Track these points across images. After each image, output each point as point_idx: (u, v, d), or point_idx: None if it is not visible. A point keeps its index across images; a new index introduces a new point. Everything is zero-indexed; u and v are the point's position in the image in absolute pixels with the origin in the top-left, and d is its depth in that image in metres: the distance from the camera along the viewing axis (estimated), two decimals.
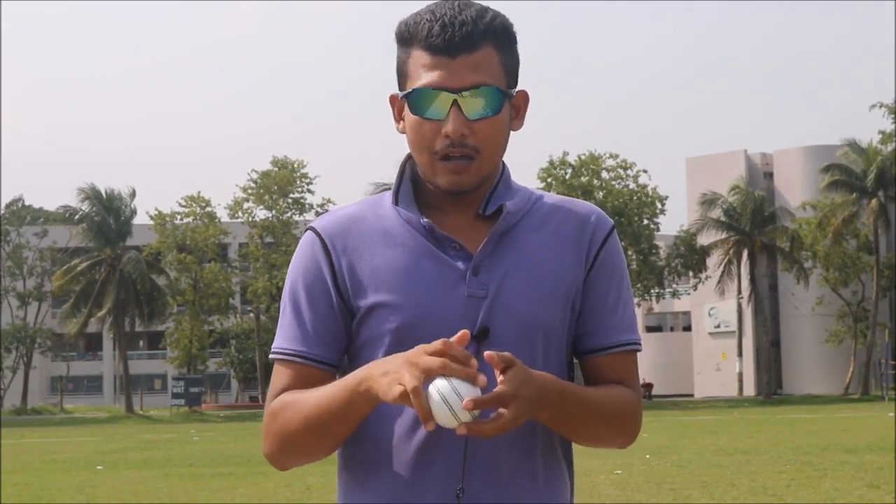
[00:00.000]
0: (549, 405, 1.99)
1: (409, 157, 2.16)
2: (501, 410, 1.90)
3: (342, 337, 2.13)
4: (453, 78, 2.03)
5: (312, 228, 2.15)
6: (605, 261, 2.15)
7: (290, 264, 2.17)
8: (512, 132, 2.14)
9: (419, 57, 2.06)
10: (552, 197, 2.19)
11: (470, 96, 2.03)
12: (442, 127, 2.04)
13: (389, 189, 2.18)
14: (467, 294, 2.06)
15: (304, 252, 2.15)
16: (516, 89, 2.13)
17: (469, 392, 1.87)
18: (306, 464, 2.13)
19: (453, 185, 2.07)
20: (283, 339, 2.14)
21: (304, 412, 2.04)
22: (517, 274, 2.08)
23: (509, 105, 2.11)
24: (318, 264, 2.13)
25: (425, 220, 2.09)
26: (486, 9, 2.08)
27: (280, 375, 2.14)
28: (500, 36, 2.07)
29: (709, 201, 60.84)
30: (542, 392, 1.97)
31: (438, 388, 1.87)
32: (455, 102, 2.03)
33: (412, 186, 2.15)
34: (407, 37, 2.08)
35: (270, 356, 2.18)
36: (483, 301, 2.06)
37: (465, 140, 2.04)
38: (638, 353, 2.20)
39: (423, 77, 2.05)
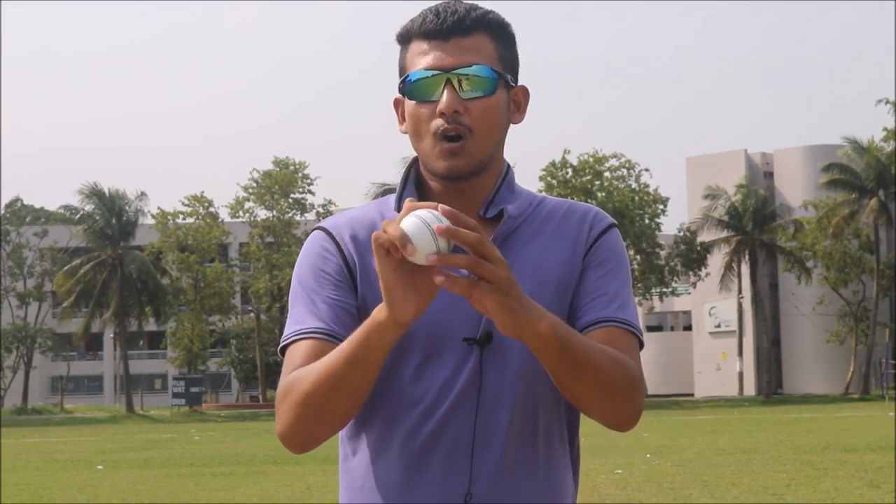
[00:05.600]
0: (543, 315, 1.89)
1: (413, 161, 2.18)
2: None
3: (356, 318, 2.08)
4: (446, 58, 2.07)
5: (319, 227, 2.16)
6: (599, 248, 2.14)
7: (297, 262, 2.15)
8: (513, 125, 2.17)
9: (416, 46, 2.10)
10: (553, 200, 2.20)
11: (463, 75, 2.06)
12: (437, 108, 2.06)
13: (393, 190, 2.19)
14: None
15: (311, 246, 2.15)
16: (516, 84, 2.16)
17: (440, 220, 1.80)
18: (322, 437, 2.03)
19: (450, 170, 2.08)
20: (298, 323, 2.08)
21: (317, 369, 1.97)
22: (520, 279, 2.04)
23: (506, 92, 2.13)
24: (329, 252, 2.12)
25: None
26: (481, 6, 2.12)
27: (295, 355, 2.06)
28: (495, 27, 2.11)
29: (713, 195, 60.82)
30: (527, 298, 1.89)
31: (416, 214, 1.81)
32: (448, 81, 2.06)
33: (416, 190, 2.16)
34: (405, 33, 2.13)
35: (284, 343, 2.09)
36: None
37: (459, 118, 2.06)
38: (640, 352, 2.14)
39: (420, 63, 2.09)
